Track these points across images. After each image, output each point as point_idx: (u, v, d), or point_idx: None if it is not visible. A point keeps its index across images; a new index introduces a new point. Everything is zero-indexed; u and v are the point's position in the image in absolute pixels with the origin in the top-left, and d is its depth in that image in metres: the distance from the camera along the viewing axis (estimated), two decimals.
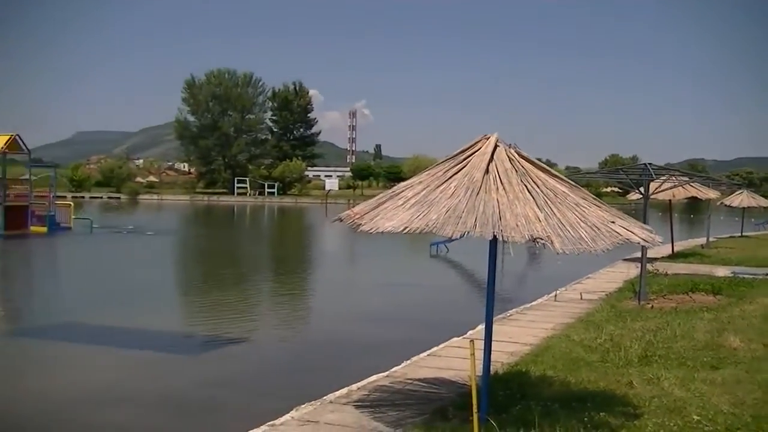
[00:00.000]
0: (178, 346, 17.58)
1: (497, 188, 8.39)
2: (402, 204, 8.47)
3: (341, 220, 8.99)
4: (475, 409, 8.49)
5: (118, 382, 14.29)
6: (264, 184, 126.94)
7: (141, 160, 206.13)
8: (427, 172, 9.00)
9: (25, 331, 19.12)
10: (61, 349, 16.97)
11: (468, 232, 7.92)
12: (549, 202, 8.40)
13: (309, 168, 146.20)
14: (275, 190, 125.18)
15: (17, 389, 13.78)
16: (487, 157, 8.71)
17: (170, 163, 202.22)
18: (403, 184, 9.07)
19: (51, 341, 17.70)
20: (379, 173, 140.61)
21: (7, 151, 50.12)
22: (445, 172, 8.73)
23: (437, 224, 8.00)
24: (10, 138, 49.74)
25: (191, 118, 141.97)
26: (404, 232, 8.07)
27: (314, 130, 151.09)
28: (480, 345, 9.22)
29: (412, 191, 8.65)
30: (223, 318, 21.45)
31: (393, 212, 8.40)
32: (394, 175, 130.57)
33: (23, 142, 51.09)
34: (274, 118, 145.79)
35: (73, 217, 53.22)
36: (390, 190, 9.11)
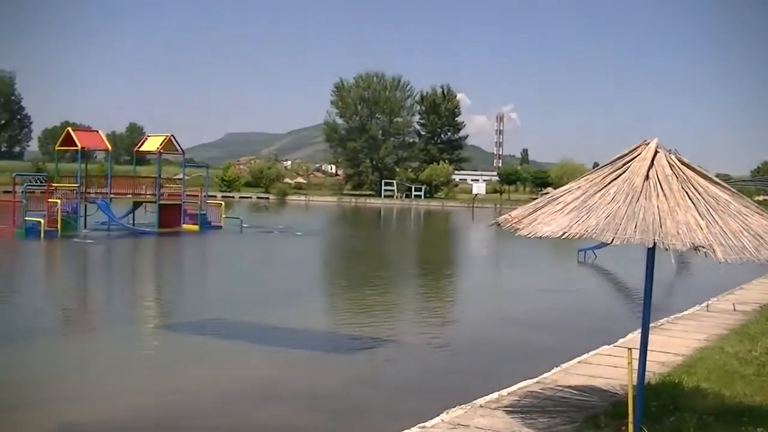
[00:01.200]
0: (328, 346, 17.81)
1: (657, 194, 8.22)
2: (560, 209, 8.39)
3: (499, 225, 8.96)
4: (630, 419, 8.37)
5: (271, 379, 14.58)
6: (411, 187, 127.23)
7: (289, 162, 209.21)
8: (585, 177, 8.89)
9: (178, 326, 19.65)
10: (214, 346, 17.41)
11: (626, 239, 7.81)
12: (711, 209, 8.17)
13: (456, 172, 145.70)
14: (422, 193, 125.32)
15: (172, 383, 14.19)
16: (647, 162, 8.55)
17: (318, 165, 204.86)
18: (561, 189, 8.99)
19: (204, 337, 18.16)
20: (526, 178, 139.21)
21: (162, 151, 51.88)
22: (603, 178, 8.61)
23: (597, 230, 7.90)
24: (165, 138, 51.52)
25: (340, 121, 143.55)
26: (563, 237, 8.00)
27: (461, 133, 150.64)
28: (634, 354, 9.06)
29: (571, 196, 8.55)
30: (371, 318, 21.63)
31: (551, 217, 8.33)
32: (541, 180, 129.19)
33: (178, 143, 52.76)
34: (421, 121, 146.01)
35: (224, 216, 54.58)
36: (548, 195, 9.04)
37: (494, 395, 11.19)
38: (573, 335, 19.09)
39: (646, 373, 9.29)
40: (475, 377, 14.68)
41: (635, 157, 8.74)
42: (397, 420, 10.51)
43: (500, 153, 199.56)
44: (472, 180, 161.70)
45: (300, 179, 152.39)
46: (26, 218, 41.50)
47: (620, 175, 8.57)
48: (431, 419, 9.99)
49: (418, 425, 9.75)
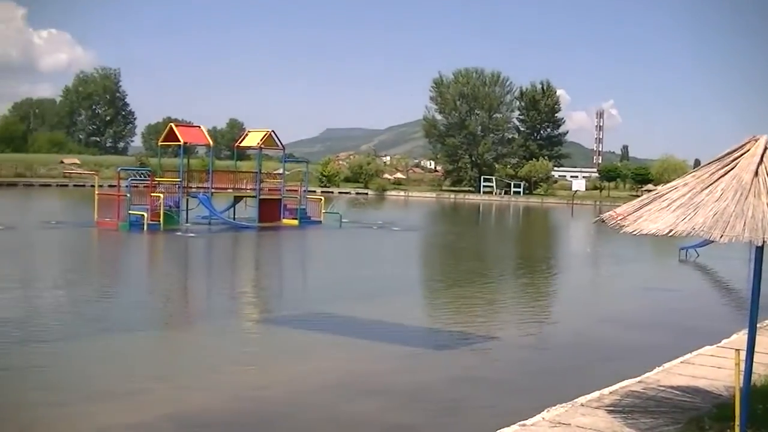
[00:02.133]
0: (427, 341, 17.84)
1: (767, 192, 8.04)
2: (666, 206, 8.25)
3: (603, 221, 8.85)
4: (736, 422, 8.19)
5: (370, 373, 14.66)
6: (510, 183, 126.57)
7: (388, 158, 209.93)
8: (691, 174, 8.72)
9: (278, 320, 19.90)
10: (314, 339, 17.55)
11: (734, 237, 7.65)
12: None
13: (555, 168, 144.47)
14: (521, 189, 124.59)
15: (272, 376, 14.37)
16: (757, 159, 8.34)
17: (417, 161, 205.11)
18: (666, 185, 8.84)
19: (303, 331, 18.35)
20: (626, 175, 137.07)
21: (263, 146, 52.48)
22: (711, 175, 8.43)
23: (704, 228, 7.74)
24: (266, 134, 52.07)
25: (439, 117, 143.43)
26: (669, 234, 7.87)
27: (561, 130, 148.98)
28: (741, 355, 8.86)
29: (677, 193, 8.39)
30: (470, 315, 21.60)
31: (657, 214, 8.20)
32: (641, 176, 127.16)
33: (278, 138, 53.26)
34: (521, 117, 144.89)
35: (323, 211, 54.92)
36: (653, 192, 8.90)
37: (595, 394, 11.07)
38: (675, 335, 18.82)
39: (753, 375, 9.09)
40: (576, 375, 14.55)
41: (744, 153, 8.54)
42: (496, 417, 10.48)
43: (600, 149, 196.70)
44: (571, 176, 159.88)
45: (399, 175, 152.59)
46: (130, 212, 42.38)
47: (728, 171, 8.39)
48: (532, 417, 9.93)
49: (519, 423, 9.70)
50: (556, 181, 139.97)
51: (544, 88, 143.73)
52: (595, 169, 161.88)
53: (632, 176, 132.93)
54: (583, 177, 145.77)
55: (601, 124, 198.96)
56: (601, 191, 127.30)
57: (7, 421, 11.39)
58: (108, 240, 39.75)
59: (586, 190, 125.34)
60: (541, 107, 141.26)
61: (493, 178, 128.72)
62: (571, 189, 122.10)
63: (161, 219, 42.80)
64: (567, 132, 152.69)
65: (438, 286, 28.16)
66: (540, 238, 59.48)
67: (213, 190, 48.50)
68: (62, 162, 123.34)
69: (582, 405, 10.52)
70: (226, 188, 50.88)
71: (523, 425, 9.63)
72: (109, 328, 17.98)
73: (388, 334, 18.07)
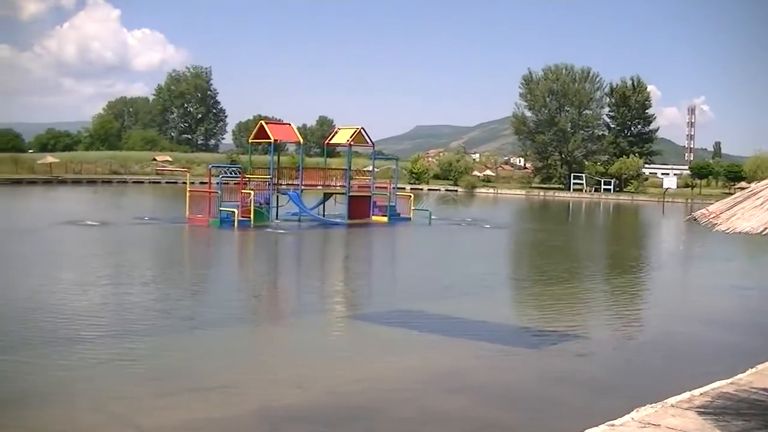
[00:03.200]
0: (515, 339, 17.76)
1: None
2: (761, 204, 8.08)
3: (695, 220, 8.72)
4: None
5: (458, 371, 14.66)
6: (600, 181, 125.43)
7: (477, 155, 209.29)
8: None
9: (367, 316, 19.99)
10: (402, 336, 17.62)
11: None
12: None
13: (646, 165, 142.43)
14: (611, 187, 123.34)
15: (360, 372, 14.45)
16: None
17: (506, 158, 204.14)
18: (761, 183, 8.66)
19: (391, 328, 18.40)
20: (718, 172, 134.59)
21: (352, 143, 52.73)
22: None
23: None
24: (356, 131, 52.28)
25: (528, 114, 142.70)
26: (763, 233, 7.73)
27: (652, 126, 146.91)
28: None
29: None
30: (558, 313, 21.45)
31: (751, 212, 8.05)
32: (734, 174, 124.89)
33: (368, 135, 53.39)
34: (611, 113, 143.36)
35: (413, 208, 55.03)
36: (746, 190, 8.74)
37: (686, 395, 10.91)
38: None
39: None
40: (666, 376, 14.37)
41: None
42: (585, 417, 10.39)
43: (691, 146, 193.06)
44: (662, 174, 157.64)
45: (488, 172, 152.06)
46: (221, 209, 42.93)
47: None
48: (620, 417, 9.83)
49: (607, 423, 9.60)
50: (646, 179, 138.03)
51: (635, 83, 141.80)
52: (686, 167, 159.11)
53: (725, 173, 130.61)
54: (675, 174, 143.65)
55: (693, 121, 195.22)
56: (692, 189, 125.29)
57: (99, 412, 11.68)
58: (199, 236, 40.36)
59: (678, 187, 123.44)
60: (632, 103, 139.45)
61: (583, 175, 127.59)
62: (662, 186, 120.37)
63: (251, 216, 43.31)
64: (658, 128, 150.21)
65: (527, 284, 28.00)
66: (630, 236, 58.73)
67: (303, 187, 48.82)
68: (155, 159, 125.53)
69: (672, 406, 10.38)
70: (316, 185, 51.17)
71: (612, 425, 9.54)
72: (200, 324, 18.29)
73: (477, 332, 18.04)
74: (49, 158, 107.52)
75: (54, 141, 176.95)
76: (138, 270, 26.86)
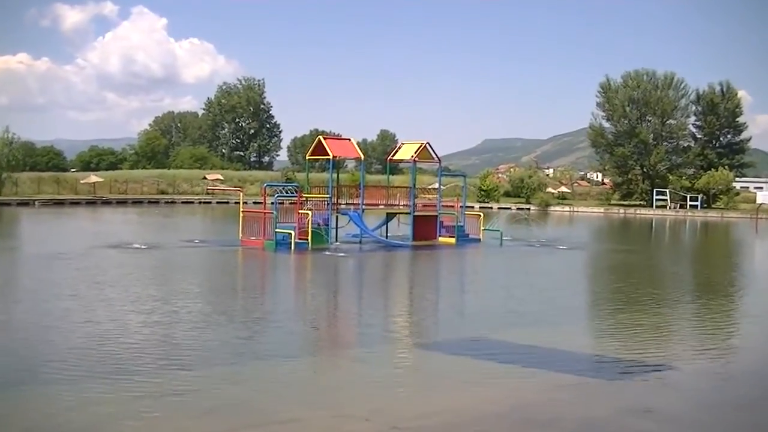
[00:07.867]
0: (594, 370, 17.73)
1: None
2: None
3: None
4: None
5: (532, 403, 14.70)
6: (686, 196, 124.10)
7: (551, 170, 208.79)
8: None
9: (433, 345, 20.09)
10: (470, 365, 17.69)
11: None
12: None
13: (737, 179, 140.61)
14: (698, 202, 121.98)
15: (428, 405, 14.55)
16: None
17: (582, 173, 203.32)
18: None
19: (459, 357, 18.48)
20: None
21: (417, 159, 52.54)
22: None
23: None
24: (421, 146, 52.14)
25: (606, 125, 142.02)
26: None
27: (743, 136, 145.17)
28: None
29: None
30: (640, 342, 21.32)
31: None
32: None
33: (433, 150, 53.33)
34: (697, 123, 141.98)
35: (483, 228, 55.03)
36: None
37: None
38: None
39: None
40: (760, 410, 14.31)
41: None
42: None
43: None
44: (755, 188, 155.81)
45: (563, 188, 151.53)
46: (276, 230, 43.30)
47: None
48: None
49: None
50: (738, 193, 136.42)
51: (724, 89, 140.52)
52: None
53: None
54: None
55: None
56: None
57: None
58: (254, 260, 40.75)
59: None
60: (721, 111, 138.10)
61: (667, 190, 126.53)
62: (755, 202, 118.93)
63: (309, 237, 43.63)
64: (750, 138, 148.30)
65: (607, 311, 27.83)
66: (720, 256, 58.02)
67: (364, 207, 49.00)
68: (205, 178, 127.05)
69: None
70: (378, 204, 51.39)
71: None
72: (258, 354, 18.56)
73: (554, 363, 18.03)
74: (93, 177, 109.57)
75: (98, 159, 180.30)
76: (190, 297, 27.18)
